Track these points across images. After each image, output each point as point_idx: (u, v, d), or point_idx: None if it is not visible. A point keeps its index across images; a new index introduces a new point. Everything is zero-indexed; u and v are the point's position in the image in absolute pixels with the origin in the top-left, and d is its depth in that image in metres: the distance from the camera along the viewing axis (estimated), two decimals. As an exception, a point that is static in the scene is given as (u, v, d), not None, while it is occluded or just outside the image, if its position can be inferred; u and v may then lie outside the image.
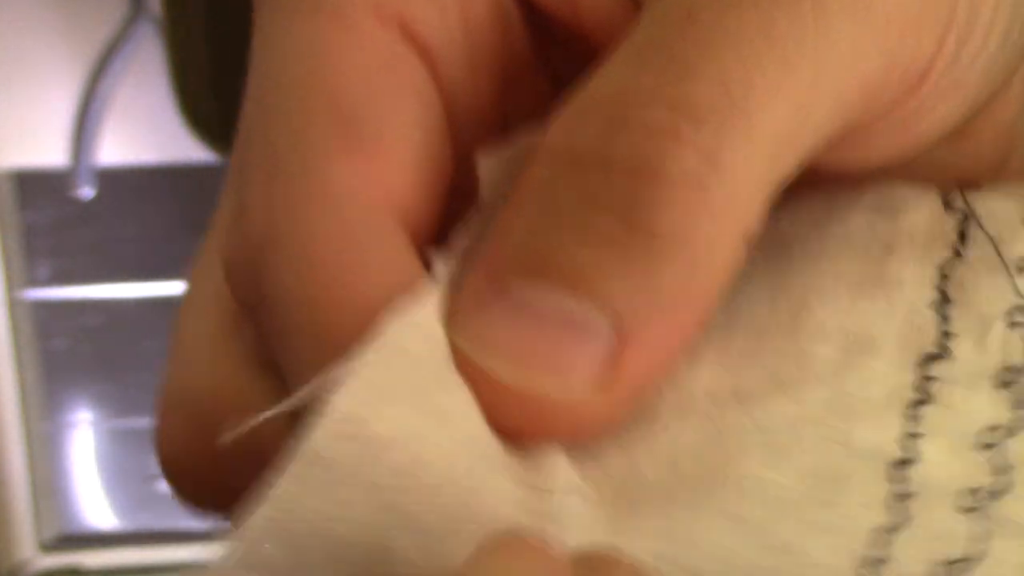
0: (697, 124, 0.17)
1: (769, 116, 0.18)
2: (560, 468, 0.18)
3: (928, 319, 0.20)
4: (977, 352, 0.20)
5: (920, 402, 0.19)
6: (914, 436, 0.19)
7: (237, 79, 0.21)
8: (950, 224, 0.21)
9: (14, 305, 1.26)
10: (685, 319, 0.18)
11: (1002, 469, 0.19)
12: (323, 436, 0.16)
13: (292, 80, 0.19)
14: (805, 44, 0.18)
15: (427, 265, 0.19)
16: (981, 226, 0.21)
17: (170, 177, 1.23)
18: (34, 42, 1.21)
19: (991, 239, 0.20)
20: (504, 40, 0.21)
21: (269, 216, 0.19)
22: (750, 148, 0.18)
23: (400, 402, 0.17)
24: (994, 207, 0.21)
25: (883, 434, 0.19)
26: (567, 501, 0.17)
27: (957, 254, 0.20)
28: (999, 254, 0.20)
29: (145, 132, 1.21)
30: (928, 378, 0.19)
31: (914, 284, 0.20)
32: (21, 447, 1.27)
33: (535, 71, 0.22)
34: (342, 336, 0.17)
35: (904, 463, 0.19)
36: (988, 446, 0.19)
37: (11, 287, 1.26)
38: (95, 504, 1.33)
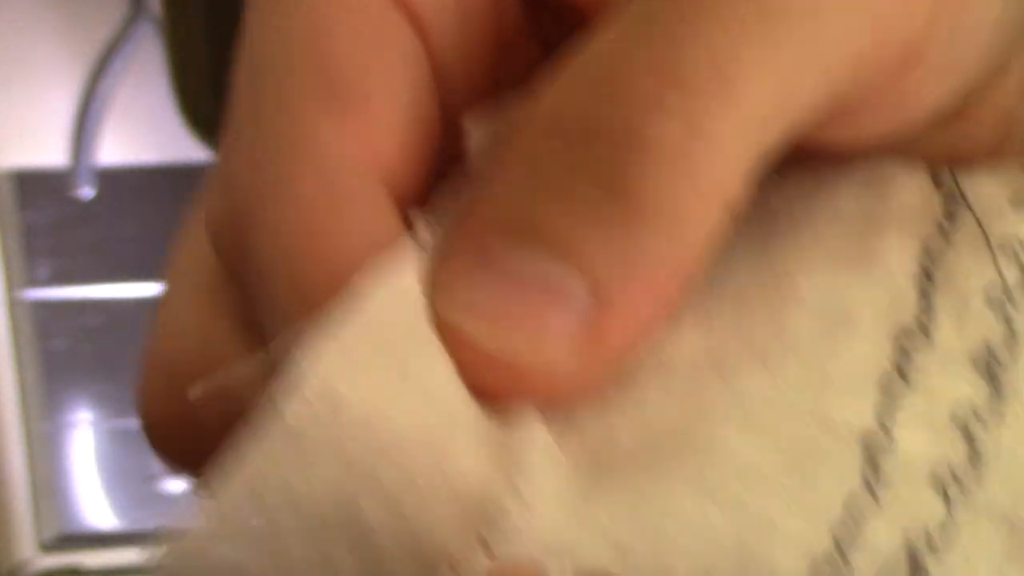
0: (682, 93, 0.17)
1: (756, 88, 0.18)
2: (531, 426, 0.18)
3: (910, 295, 0.20)
4: (956, 329, 0.20)
5: (897, 377, 0.19)
6: (891, 411, 0.19)
7: (237, 79, 0.21)
8: (937, 202, 0.21)
9: (14, 305, 1.27)
10: (665, 287, 0.18)
11: (977, 446, 0.19)
12: (294, 403, 0.17)
13: (281, 44, 0.19)
14: (794, 18, 0.18)
15: (411, 228, 0.19)
16: (967, 204, 0.21)
17: (170, 177, 1.23)
18: (34, 42, 1.21)
19: (976, 217, 0.20)
20: (496, 7, 0.21)
21: (254, 175, 0.19)
22: (735, 119, 0.18)
23: (373, 368, 0.17)
24: (982, 186, 0.21)
25: (860, 408, 0.19)
26: (536, 458, 0.17)
27: (942, 231, 0.20)
28: (983, 232, 0.20)
29: (145, 132, 1.21)
30: (906, 353, 0.19)
31: (898, 260, 0.20)
32: (21, 447, 1.27)
33: (527, 38, 0.22)
34: (321, 295, 0.18)
35: (879, 438, 0.19)
36: (964, 423, 0.19)
37: (11, 287, 1.26)
38: (95, 504, 1.33)
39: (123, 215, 1.26)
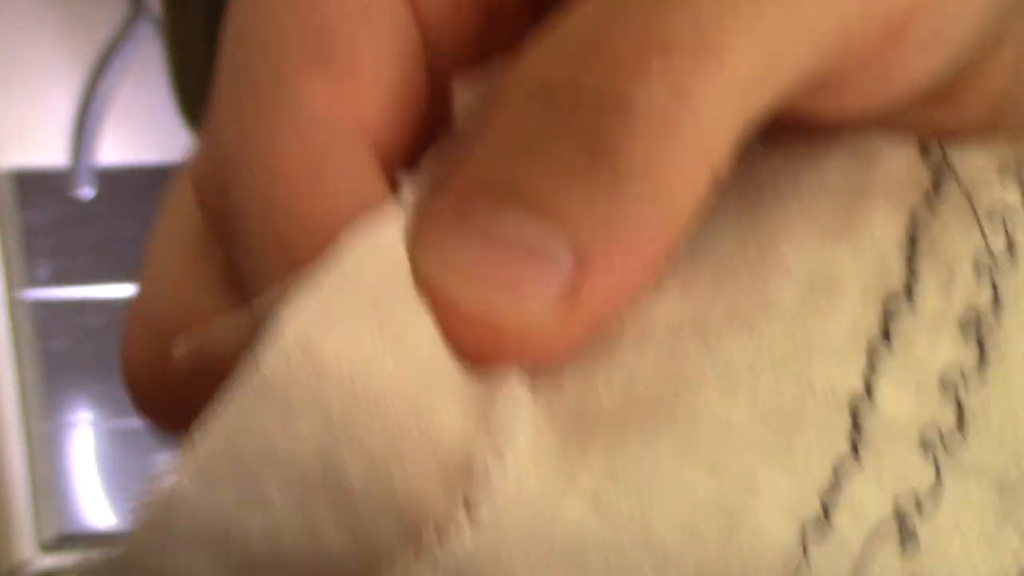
0: (667, 57, 0.17)
1: (741, 55, 0.18)
2: (514, 387, 0.18)
3: (895, 263, 0.20)
4: (942, 294, 0.20)
5: (883, 342, 0.19)
6: (876, 374, 0.19)
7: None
8: (924, 173, 0.21)
9: (14, 305, 1.27)
10: (647, 250, 0.18)
11: (964, 410, 0.19)
12: (271, 355, 0.16)
13: (268, 4, 0.19)
14: None
15: (397, 189, 0.19)
16: (955, 173, 0.21)
17: (170, 177, 1.23)
18: (34, 42, 1.21)
19: (963, 186, 0.20)
20: None
21: (238, 132, 0.19)
22: (720, 84, 0.18)
23: (354, 324, 0.17)
24: (970, 158, 0.21)
25: (845, 372, 0.19)
26: (519, 418, 0.17)
27: (929, 201, 0.20)
28: (970, 201, 0.20)
29: (145, 132, 1.21)
30: (892, 319, 0.19)
31: (884, 230, 0.20)
32: (21, 447, 1.28)
33: (516, 3, 0.22)
34: (304, 254, 0.18)
35: (865, 401, 0.19)
36: (950, 386, 0.19)
37: (11, 287, 1.26)
38: (95, 504, 1.33)
39: (123, 215, 1.26)
